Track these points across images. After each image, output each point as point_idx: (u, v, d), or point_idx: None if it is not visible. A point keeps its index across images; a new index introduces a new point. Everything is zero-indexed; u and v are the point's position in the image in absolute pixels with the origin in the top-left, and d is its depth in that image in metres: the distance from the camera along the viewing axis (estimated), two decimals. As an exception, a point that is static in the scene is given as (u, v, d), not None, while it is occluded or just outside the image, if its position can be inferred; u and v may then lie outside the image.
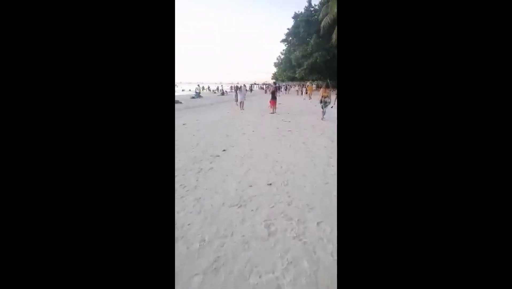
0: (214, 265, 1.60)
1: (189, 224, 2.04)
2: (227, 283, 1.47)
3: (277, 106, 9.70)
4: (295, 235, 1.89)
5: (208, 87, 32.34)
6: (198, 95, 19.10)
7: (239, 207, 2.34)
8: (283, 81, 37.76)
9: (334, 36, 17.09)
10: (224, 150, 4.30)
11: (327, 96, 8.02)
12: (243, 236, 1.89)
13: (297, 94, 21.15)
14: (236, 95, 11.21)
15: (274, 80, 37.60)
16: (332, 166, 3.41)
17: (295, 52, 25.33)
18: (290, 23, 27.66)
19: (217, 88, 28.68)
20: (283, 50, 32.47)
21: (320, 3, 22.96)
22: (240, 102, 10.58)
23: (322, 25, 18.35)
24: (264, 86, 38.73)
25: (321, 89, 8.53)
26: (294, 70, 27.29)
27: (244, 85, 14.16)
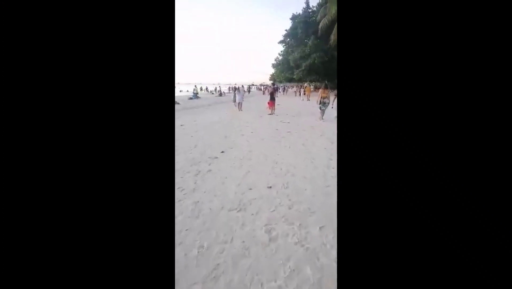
0: (214, 273, 1.53)
1: (187, 229, 1.97)
2: (227, 292, 1.40)
3: (275, 107, 9.65)
4: (297, 241, 1.83)
5: (206, 88, 32.21)
6: (195, 96, 19.01)
7: (238, 211, 2.27)
8: (281, 82, 37.76)
9: (332, 37, 17.11)
10: (222, 152, 4.23)
11: (326, 97, 8.02)
12: (243, 241, 1.83)
13: (295, 96, 21.14)
14: (235, 96, 11.14)
15: (272, 82, 37.62)
16: (333, 168, 3.36)
17: (293, 54, 25.34)
18: (288, 24, 27.68)
19: (215, 89, 28.60)
20: (281, 51, 32.49)
21: (318, 4, 23.04)
22: (238, 103, 10.52)
23: (320, 26, 18.37)
24: (262, 87, 38.72)
25: (320, 90, 8.52)
26: (292, 71, 27.29)
27: (242, 86, 14.09)
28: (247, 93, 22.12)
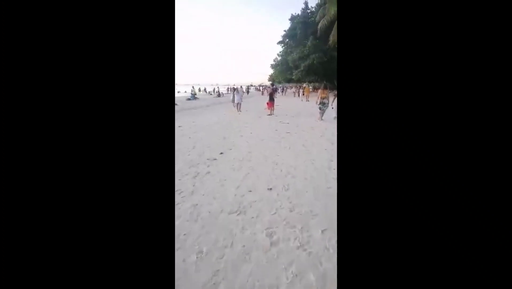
0: (213, 279, 1.48)
1: (185, 234, 1.92)
2: (227, 300, 1.35)
3: (274, 107, 9.61)
4: (299, 245, 1.78)
5: (205, 89, 32.12)
6: (193, 97, 18.94)
7: (238, 214, 2.22)
8: (280, 82, 37.75)
9: (331, 38, 17.10)
10: (221, 153, 4.17)
11: (326, 97, 8.01)
12: (244, 246, 1.77)
13: (294, 96, 21.12)
14: (234, 97, 11.08)
15: (271, 82, 37.66)
16: (334, 169, 3.31)
17: (292, 54, 25.34)
18: (287, 24, 27.70)
19: (213, 90, 28.52)
20: (280, 51, 32.50)
21: (317, 5, 23.06)
22: (237, 104, 10.46)
23: (319, 27, 18.35)
24: (261, 87, 38.69)
25: (320, 90, 8.50)
26: (291, 71, 27.29)
27: (241, 87, 14.04)
28: (246, 94, 22.08)
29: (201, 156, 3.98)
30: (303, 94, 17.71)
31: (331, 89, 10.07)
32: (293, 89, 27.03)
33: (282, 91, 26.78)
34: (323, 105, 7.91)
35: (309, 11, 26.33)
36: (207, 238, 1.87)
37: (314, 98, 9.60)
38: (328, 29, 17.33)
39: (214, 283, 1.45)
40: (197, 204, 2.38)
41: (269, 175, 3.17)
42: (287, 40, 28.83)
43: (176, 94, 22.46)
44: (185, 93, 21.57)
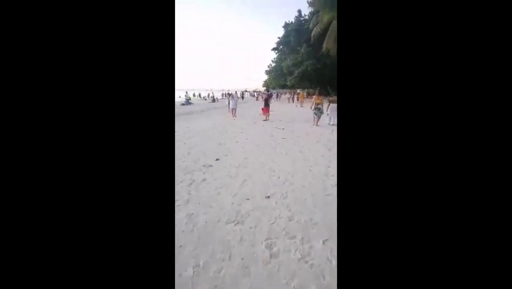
0: (211, 296, 1.39)
1: (181, 246, 1.82)
2: (226, 319, 1.26)
3: (269, 113, 9.60)
4: (300, 257, 1.71)
5: (199, 94, 32.03)
6: (188, 102, 18.82)
7: (236, 224, 2.14)
8: (274, 88, 38.00)
9: (324, 45, 17.38)
10: (217, 159, 4.09)
11: (320, 103, 8.08)
12: (243, 259, 1.69)
13: (288, 102, 21.25)
14: (229, 102, 11.03)
15: (265, 88, 37.84)
16: (332, 176, 3.27)
17: (286, 61, 25.61)
18: (281, 31, 28.08)
19: (208, 95, 28.46)
20: (274, 58, 32.83)
21: (310, 13, 23.47)
22: (232, 110, 10.42)
23: (312, 34, 18.65)
24: (255, 93, 38.86)
25: (314, 96, 8.57)
26: (285, 78, 27.50)
27: (236, 92, 14.03)
28: (240, 99, 22.10)
29: (196, 163, 3.89)
30: (298, 100, 17.82)
31: (325, 95, 10.16)
32: (288, 95, 27.23)
33: (277, 97, 26.93)
34: (318, 110, 7.97)
35: (302, 18, 26.79)
36: (204, 250, 1.78)
37: (308, 104, 9.64)
38: (321, 36, 17.63)
39: (212, 300, 1.36)
40: (192, 213, 2.29)
41: (266, 182, 3.10)
42: (281, 47, 29.18)
43: (170, 100, 22.19)
44: (180, 98, 21.39)
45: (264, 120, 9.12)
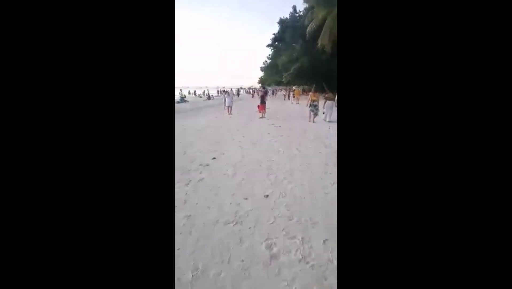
0: (211, 301, 1.35)
1: (179, 248, 1.78)
2: (227, 325, 1.23)
3: (266, 110, 9.54)
4: (300, 257, 1.68)
5: (194, 92, 31.71)
6: (183, 100, 18.63)
7: (235, 224, 2.10)
8: (269, 85, 37.89)
9: (320, 41, 17.31)
10: (214, 158, 4.04)
11: (316, 100, 8.08)
12: (242, 260, 1.66)
13: (284, 99, 21.21)
14: (225, 100, 10.92)
15: (260, 85, 37.68)
16: (330, 174, 3.25)
17: (281, 57, 25.48)
18: (276, 28, 27.85)
19: (203, 93, 28.21)
20: (270, 54, 32.64)
21: (305, 9, 23.34)
22: (228, 107, 10.33)
23: (307, 30, 18.56)
24: (251, 90, 38.69)
25: (310, 93, 8.54)
26: (280, 74, 27.40)
27: (231, 90, 13.92)
28: (236, 96, 21.95)
29: (193, 162, 3.83)
30: (294, 97, 17.79)
31: (321, 92, 10.15)
32: (283, 92, 27.17)
33: (273, 94, 26.85)
34: (314, 107, 7.96)
35: (297, 14, 26.62)
36: (203, 253, 1.74)
37: (304, 101, 9.62)
38: (316, 32, 17.54)
39: (212, 305, 1.33)
40: (190, 215, 2.24)
41: (264, 180, 3.07)
42: (276, 43, 29.01)
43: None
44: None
45: (261, 117, 9.07)
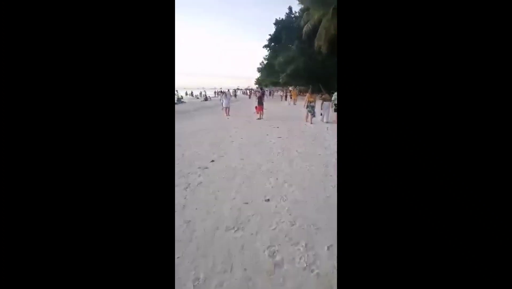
0: (214, 314, 1.30)
1: (179, 257, 1.72)
2: None
3: (263, 112, 9.50)
4: (305, 265, 1.64)
5: (191, 93, 31.54)
6: (179, 101, 18.50)
7: (236, 230, 2.05)
8: (266, 86, 37.86)
9: (316, 42, 17.35)
10: (212, 161, 3.98)
11: (313, 101, 8.06)
12: (245, 269, 1.60)
13: (281, 100, 21.20)
14: (223, 101, 10.84)
15: (257, 86, 37.67)
16: (331, 176, 3.21)
17: (278, 58, 25.48)
18: (272, 28, 27.86)
19: (200, 94, 28.08)
20: (266, 55, 32.65)
21: (301, 10, 23.39)
22: (226, 108, 10.26)
23: (304, 31, 18.59)
24: (248, 91, 38.62)
25: (307, 94, 8.53)
26: (277, 75, 27.42)
27: (228, 91, 13.85)
28: (233, 97, 21.89)
29: (191, 165, 3.77)
30: (291, 98, 17.78)
31: (317, 93, 10.15)
32: (280, 93, 27.17)
33: (270, 95, 26.83)
34: (311, 108, 7.94)
35: (293, 15, 26.67)
36: (204, 261, 1.68)
37: (301, 102, 9.60)
38: (312, 33, 17.58)
39: (215, 319, 1.27)
40: (190, 221, 2.18)
41: (264, 184, 3.02)
42: (273, 44, 29.02)
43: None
44: (170, 97, 20.96)
45: (258, 118, 9.02)
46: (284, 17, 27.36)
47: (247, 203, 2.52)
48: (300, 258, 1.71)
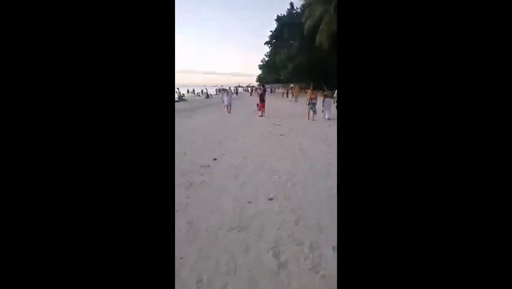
0: (218, 317, 1.27)
1: (181, 258, 1.69)
2: None
3: (265, 109, 9.44)
4: (310, 266, 1.60)
5: (193, 90, 31.48)
6: (181, 98, 18.46)
7: (239, 230, 2.01)
8: (268, 83, 37.74)
9: (318, 38, 17.20)
10: (215, 159, 3.95)
11: (315, 98, 8.00)
12: (249, 271, 1.57)
13: (283, 97, 21.10)
14: (224, 98, 10.79)
15: (258, 83, 37.54)
16: (334, 174, 3.17)
17: (279, 55, 25.33)
18: (274, 25, 27.64)
19: (202, 91, 28.02)
20: (267, 52, 32.48)
21: (302, 6, 23.16)
22: (227, 106, 10.22)
23: (305, 27, 18.42)
24: (249, 88, 38.50)
25: (309, 91, 8.46)
26: (278, 72, 27.31)
27: (230, 88, 13.80)
28: (235, 95, 21.81)
29: (193, 163, 3.74)
30: (293, 95, 17.68)
31: (318, 90, 10.08)
32: (281, 90, 27.04)
33: (271, 92, 26.75)
34: (313, 105, 7.88)
35: (294, 12, 26.44)
36: (207, 263, 1.65)
37: (303, 99, 9.52)
38: (314, 30, 17.41)
39: (219, 322, 1.24)
40: (192, 221, 2.15)
41: (267, 182, 2.99)
42: (274, 40, 28.82)
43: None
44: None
45: (260, 116, 8.98)
46: (285, 14, 27.14)
47: (250, 202, 2.49)
48: (305, 259, 1.67)
